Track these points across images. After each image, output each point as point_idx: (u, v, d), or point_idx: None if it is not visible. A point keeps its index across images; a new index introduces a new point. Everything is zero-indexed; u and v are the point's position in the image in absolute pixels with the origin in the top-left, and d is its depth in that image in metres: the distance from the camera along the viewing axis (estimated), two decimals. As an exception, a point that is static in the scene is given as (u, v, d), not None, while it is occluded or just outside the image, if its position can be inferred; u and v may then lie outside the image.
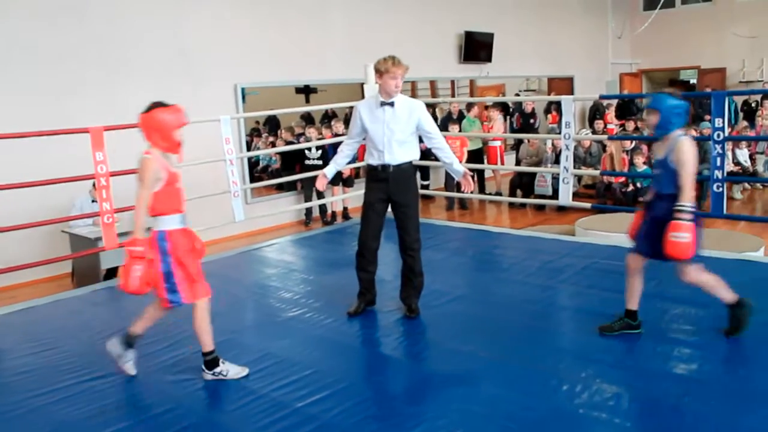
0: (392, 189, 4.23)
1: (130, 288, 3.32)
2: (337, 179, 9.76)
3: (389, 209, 4.34)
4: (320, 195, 9.48)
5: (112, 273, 6.70)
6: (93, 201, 6.60)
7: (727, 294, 3.75)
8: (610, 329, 3.87)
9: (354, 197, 8.92)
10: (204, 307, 3.51)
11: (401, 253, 4.33)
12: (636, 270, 3.79)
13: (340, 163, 4.54)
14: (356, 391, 3.40)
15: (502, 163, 11.21)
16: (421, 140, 4.35)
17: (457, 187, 10.56)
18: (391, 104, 4.17)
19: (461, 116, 11.02)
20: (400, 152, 4.20)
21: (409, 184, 4.30)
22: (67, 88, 7.54)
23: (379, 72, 4.11)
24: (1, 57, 7.12)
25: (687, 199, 3.47)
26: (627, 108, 14.05)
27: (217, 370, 3.55)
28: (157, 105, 3.42)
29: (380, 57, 4.15)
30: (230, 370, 3.57)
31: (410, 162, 4.27)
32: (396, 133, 4.17)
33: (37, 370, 3.83)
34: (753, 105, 13.71)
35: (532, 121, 12.20)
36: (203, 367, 3.56)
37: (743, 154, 10.91)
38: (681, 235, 3.43)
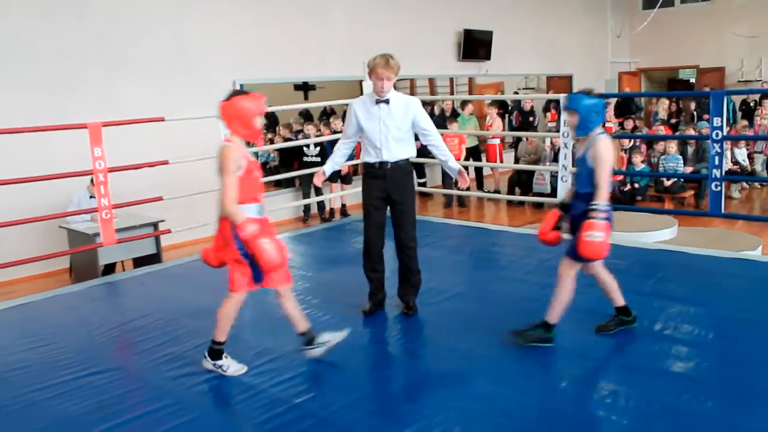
0: (389, 186, 4.20)
1: (273, 264, 3.30)
2: (335, 176, 9.75)
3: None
4: (318, 192, 9.47)
5: (109, 269, 6.69)
6: (91, 197, 6.59)
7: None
8: (606, 329, 3.87)
9: (352, 194, 8.91)
10: (238, 299, 3.50)
11: (397, 251, 4.31)
12: (589, 271, 3.76)
13: (337, 162, 4.50)
14: (354, 387, 3.40)
15: (501, 161, 11.20)
16: (416, 137, 4.32)
17: (455, 184, 10.59)
18: (386, 101, 4.14)
19: (455, 114, 11.02)
20: (397, 149, 4.18)
21: (406, 182, 4.26)
22: (66, 85, 7.53)
23: (368, 69, 4.10)
24: (1, 54, 7.11)
25: (602, 198, 3.46)
26: (626, 107, 14.05)
27: (219, 362, 3.55)
28: (238, 93, 3.42)
29: (376, 54, 4.11)
30: (231, 366, 3.56)
31: (407, 159, 4.25)
32: (392, 130, 4.14)
33: (34, 366, 3.82)
34: (751, 104, 13.72)
35: (531, 119, 12.20)
36: (205, 354, 3.56)
37: (741, 154, 10.92)
38: (595, 234, 3.41)
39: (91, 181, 6.49)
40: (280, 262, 3.33)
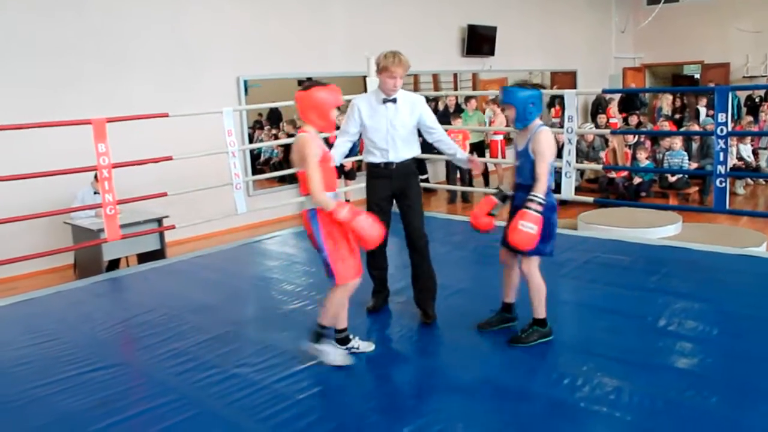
0: (396, 185, 4.09)
1: (376, 238, 3.34)
2: (339, 172, 9.75)
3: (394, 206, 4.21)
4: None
5: (113, 264, 6.71)
6: (95, 193, 6.60)
7: (541, 308, 3.71)
8: (487, 325, 3.89)
9: (356, 190, 8.91)
10: (349, 288, 3.49)
11: (409, 251, 4.18)
12: (509, 264, 3.78)
13: (336, 160, 4.31)
14: (358, 383, 3.41)
15: (503, 157, 11.20)
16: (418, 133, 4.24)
17: (469, 175, 10.53)
18: (394, 101, 4.01)
19: (459, 110, 10.99)
20: (404, 149, 4.07)
21: (412, 180, 4.15)
22: (65, 80, 7.53)
23: (377, 68, 3.96)
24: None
25: (540, 190, 3.44)
26: (630, 102, 14.02)
27: (349, 345, 3.63)
28: (315, 84, 3.41)
29: (384, 51, 3.99)
30: (360, 344, 3.68)
31: (413, 158, 4.15)
32: (399, 130, 4.02)
33: (38, 361, 3.83)
34: (756, 100, 13.69)
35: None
36: (335, 344, 3.60)
37: (746, 150, 10.89)
38: (527, 224, 3.39)
39: (95, 177, 6.50)
40: (379, 237, 3.36)
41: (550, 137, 3.54)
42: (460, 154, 4.27)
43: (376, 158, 4.09)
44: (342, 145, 4.24)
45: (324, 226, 3.36)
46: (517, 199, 3.62)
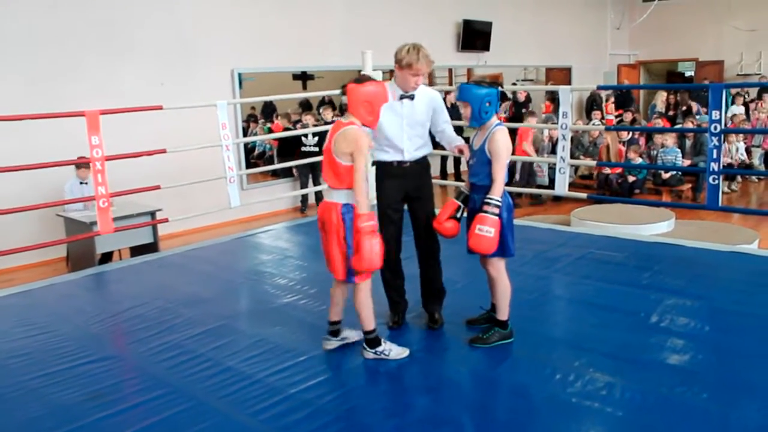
0: (409, 185, 3.85)
1: (369, 266, 3.26)
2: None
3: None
4: (316, 182, 9.47)
5: (106, 257, 6.70)
6: (82, 183, 6.58)
7: (506, 310, 3.68)
8: (476, 323, 3.88)
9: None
10: (368, 286, 3.46)
11: (418, 254, 3.99)
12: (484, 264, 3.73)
13: None
14: (350, 377, 3.42)
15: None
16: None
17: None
18: (412, 97, 3.76)
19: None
20: (418, 147, 3.84)
21: (426, 179, 3.94)
22: (60, 72, 7.51)
23: (399, 63, 3.67)
24: (-1, 39, 7.09)
25: (497, 192, 3.40)
26: (625, 99, 14.05)
27: (379, 349, 3.54)
28: (368, 78, 3.38)
29: (405, 44, 3.70)
30: (392, 349, 3.56)
31: (425, 156, 3.91)
32: (415, 128, 3.79)
33: (31, 354, 3.83)
34: (745, 97, 13.75)
35: (524, 110, 12.21)
36: (364, 345, 3.56)
37: (739, 148, 10.93)
38: (484, 228, 3.35)
39: (77, 166, 6.48)
40: (375, 267, 3.30)
41: (507, 137, 3.47)
42: (454, 142, 3.91)
43: (388, 156, 3.84)
44: None
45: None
46: (474, 201, 3.57)
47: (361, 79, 3.39)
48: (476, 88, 3.47)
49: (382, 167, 3.91)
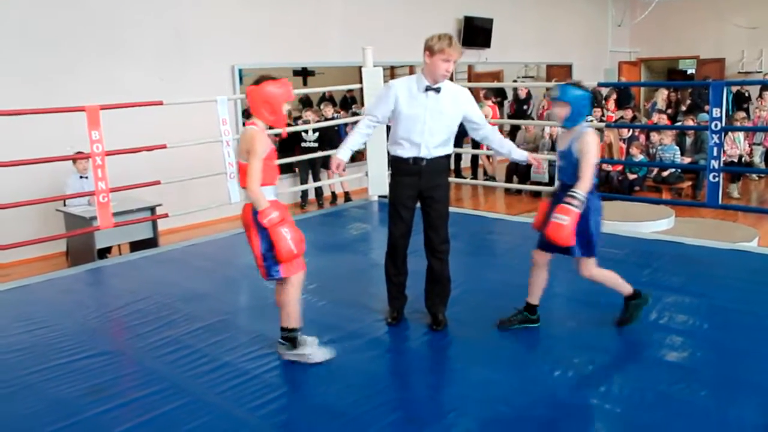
0: (424, 184, 3.74)
1: (289, 255, 3.27)
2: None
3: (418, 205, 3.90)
4: (316, 178, 9.47)
5: (105, 253, 6.69)
6: (81, 177, 6.57)
7: (626, 287, 3.74)
8: (508, 323, 3.86)
9: (352, 180, 8.90)
10: (297, 282, 3.45)
11: (427, 254, 3.89)
12: (540, 264, 3.77)
13: (356, 145, 3.89)
14: (347, 373, 3.41)
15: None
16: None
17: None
18: (437, 90, 3.65)
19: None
20: (438, 145, 3.72)
21: (442, 179, 3.83)
22: (64, 68, 7.50)
23: (430, 50, 3.57)
24: (-4, 36, 7.07)
25: (584, 188, 3.42)
26: (626, 97, 14.03)
27: (299, 351, 3.48)
28: (266, 78, 3.36)
29: (435, 33, 3.64)
30: (314, 353, 3.48)
31: (446, 156, 3.80)
32: (438, 123, 3.66)
33: (30, 348, 3.83)
34: (746, 94, 13.74)
35: (525, 107, 12.21)
36: (281, 340, 3.51)
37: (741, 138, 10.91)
38: (560, 216, 3.37)
39: (74, 161, 6.47)
40: (296, 253, 3.30)
41: (596, 139, 3.51)
42: (516, 153, 3.98)
43: (405, 152, 3.72)
44: (365, 128, 3.85)
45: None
46: (559, 197, 3.59)
47: (259, 80, 3.36)
48: (577, 90, 3.51)
49: (396, 163, 3.81)
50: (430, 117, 3.66)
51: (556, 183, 3.80)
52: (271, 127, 3.43)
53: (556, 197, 3.64)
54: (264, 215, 3.25)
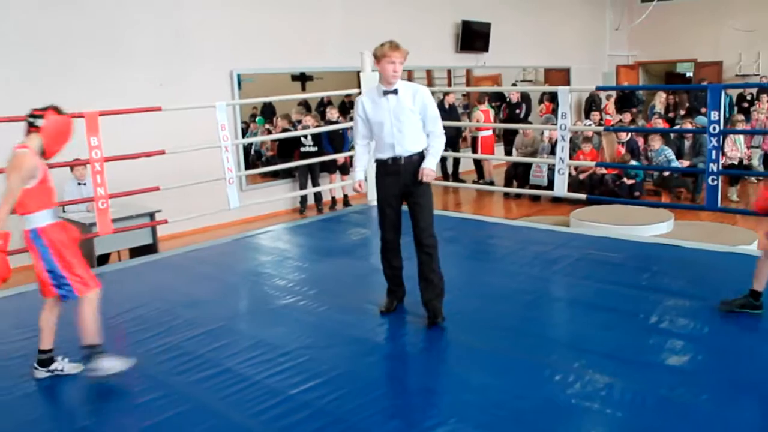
0: (405, 181, 3.96)
1: None
2: (333, 167, 9.76)
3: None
4: (315, 183, 9.47)
5: (104, 259, 6.68)
6: (79, 184, 6.56)
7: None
8: (730, 305, 3.91)
9: (350, 185, 8.90)
10: (93, 299, 3.43)
11: (416, 250, 4.04)
12: None
13: (363, 161, 4.22)
14: (349, 378, 3.40)
15: (491, 153, 11.38)
16: None
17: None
18: (395, 92, 3.91)
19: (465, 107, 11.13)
20: (411, 142, 3.94)
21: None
22: (62, 73, 7.49)
23: (376, 57, 3.90)
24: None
25: None
26: (626, 100, 14.05)
27: (99, 364, 3.38)
28: (54, 108, 3.43)
29: (379, 42, 3.92)
30: (110, 365, 3.40)
31: (421, 152, 3.98)
32: (404, 122, 3.90)
33: (29, 355, 3.80)
34: (748, 97, 13.75)
35: (518, 111, 12.24)
36: (86, 355, 3.43)
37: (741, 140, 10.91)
38: None
39: (71, 168, 6.46)
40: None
41: None
42: (428, 159, 3.96)
43: (384, 154, 3.99)
44: (361, 149, 4.18)
45: (50, 243, 3.40)
46: None
47: (47, 107, 3.42)
48: None
49: (379, 166, 4.08)
50: (395, 117, 3.92)
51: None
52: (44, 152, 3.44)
53: None
54: None
